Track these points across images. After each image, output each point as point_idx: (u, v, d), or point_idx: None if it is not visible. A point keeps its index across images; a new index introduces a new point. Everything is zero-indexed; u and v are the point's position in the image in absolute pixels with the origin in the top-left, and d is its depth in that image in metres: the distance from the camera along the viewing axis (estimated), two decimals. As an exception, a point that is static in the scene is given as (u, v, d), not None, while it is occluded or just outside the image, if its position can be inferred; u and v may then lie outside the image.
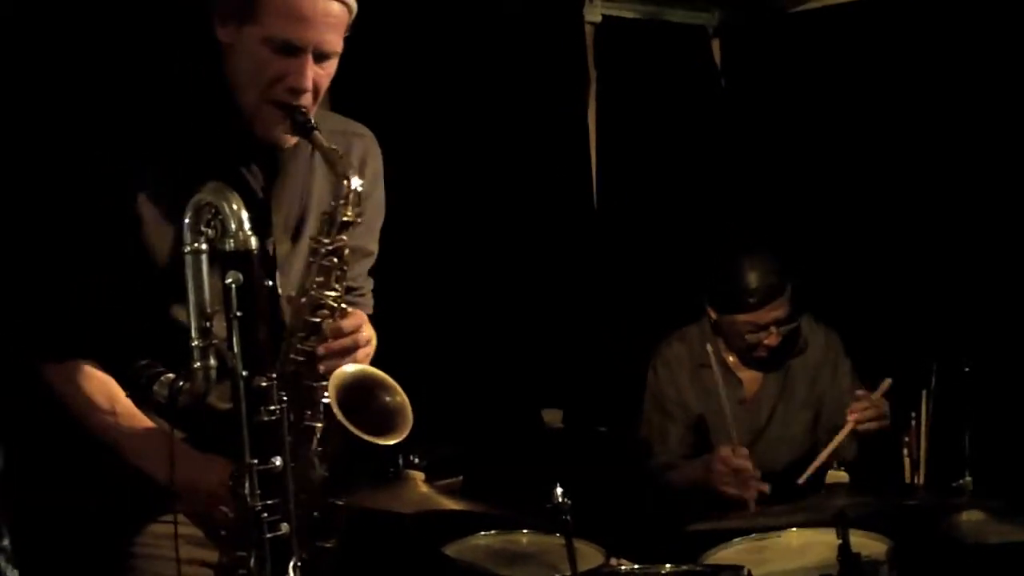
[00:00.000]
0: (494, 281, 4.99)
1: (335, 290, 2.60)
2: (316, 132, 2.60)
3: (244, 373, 2.35)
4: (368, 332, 2.75)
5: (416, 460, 3.66)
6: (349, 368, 2.66)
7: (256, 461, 2.37)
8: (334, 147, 2.63)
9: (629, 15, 5.53)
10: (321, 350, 2.62)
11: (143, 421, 2.65)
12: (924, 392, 4.33)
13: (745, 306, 4.45)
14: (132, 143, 2.64)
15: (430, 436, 4.09)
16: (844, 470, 4.15)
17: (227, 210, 2.36)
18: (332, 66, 2.69)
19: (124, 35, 3.73)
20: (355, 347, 2.67)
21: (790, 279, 4.50)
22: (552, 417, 4.56)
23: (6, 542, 1.07)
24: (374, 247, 3.02)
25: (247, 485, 2.36)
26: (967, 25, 4.93)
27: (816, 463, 4.26)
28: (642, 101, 5.51)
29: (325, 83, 2.68)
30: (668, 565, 3.62)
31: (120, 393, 2.65)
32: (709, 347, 4.51)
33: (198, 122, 2.68)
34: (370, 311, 3.01)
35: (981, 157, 4.93)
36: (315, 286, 2.63)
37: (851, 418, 4.30)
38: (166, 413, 2.51)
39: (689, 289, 4.81)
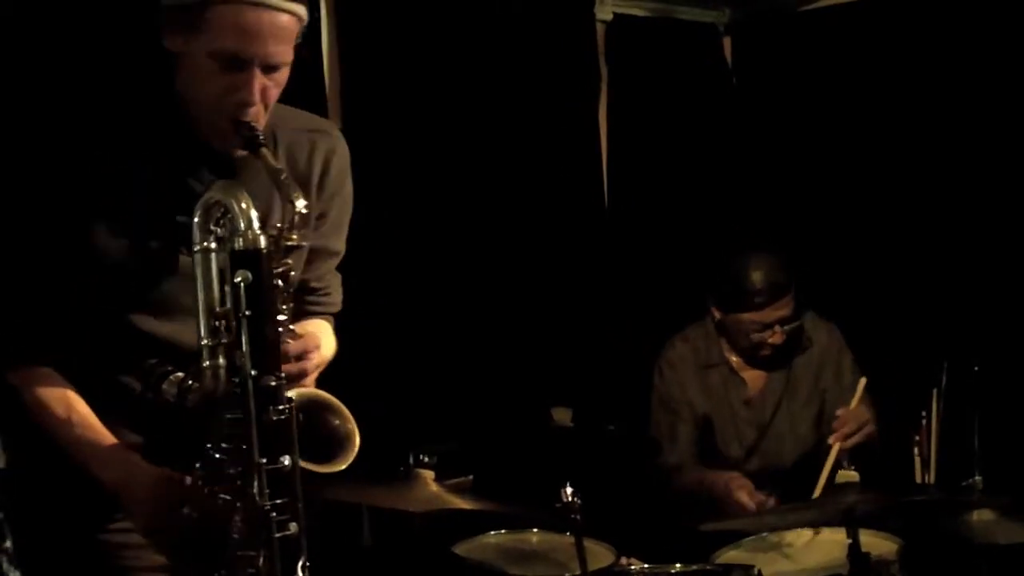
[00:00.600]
0: (505, 280, 4.98)
1: (282, 313, 2.53)
2: (263, 149, 2.53)
3: (253, 372, 2.35)
4: (317, 356, 2.67)
5: (426, 459, 3.65)
6: (298, 392, 2.59)
7: (265, 460, 2.36)
8: (280, 167, 2.54)
9: (640, 13, 5.52)
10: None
11: (97, 432, 2.61)
12: (934, 391, 4.33)
13: (750, 305, 4.46)
14: (84, 149, 2.60)
15: (440, 435, 4.12)
16: (854, 469, 4.16)
17: (236, 209, 2.36)
18: (283, 76, 2.63)
19: (74, 41, 3.70)
20: (303, 374, 2.61)
21: (794, 278, 4.51)
22: (562, 416, 4.55)
23: (8, 543, 1.07)
24: (341, 246, 2.96)
25: (256, 485, 2.35)
26: (978, 22, 4.92)
27: (822, 481, 4.25)
28: (653, 99, 5.50)
29: (275, 93, 2.62)
30: (678, 564, 3.63)
31: (77, 402, 2.61)
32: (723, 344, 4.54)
33: (151, 129, 2.64)
34: (337, 308, 2.99)
35: (991, 155, 4.91)
36: None
37: (832, 440, 4.29)
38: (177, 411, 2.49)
39: (698, 288, 4.81)
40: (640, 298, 5.33)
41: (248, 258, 2.34)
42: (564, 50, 5.26)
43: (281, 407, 2.36)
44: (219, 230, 2.43)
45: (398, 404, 4.55)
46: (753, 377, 4.66)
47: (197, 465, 2.48)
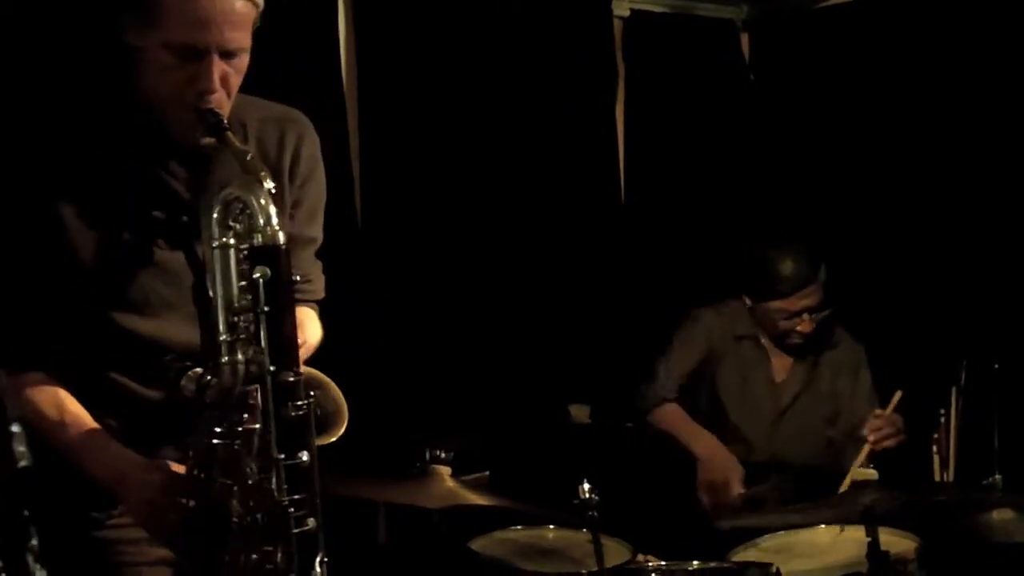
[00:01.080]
0: (523, 276, 4.98)
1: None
2: (227, 132, 2.51)
3: (272, 368, 2.34)
4: (304, 348, 2.61)
5: (442, 455, 3.65)
6: None
7: (283, 456, 2.35)
8: (246, 148, 2.52)
9: (657, 9, 5.52)
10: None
11: (90, 431, 2.59)
12: (953, 389, 4.33)
13: (777, 293, 4.52)
14: (52, 149, 2.59)
15: (457, 431, 4.11)
16: (872, 467, 4.15)
17: (255, 205, 2.35)
18: (242, 62, 2.60)
19: (34, 37, 3.69)
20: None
21: (822, 267, 4.53)
22: (579, 412, 4.55)
23: (34, 542, 1.06)
24: (318, 233, 2.91)
25: (275, 480, 2.35)
26: (997, 16, 4.90)
27: (849, 479, 4.26)
28: (670, 95, 5.49)
29: (235, 79, 2.59)
30: (695, 562, 3.62)
31: (69, 402, 2.59)
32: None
33: (118, 126, 2.62)
34: (320, 296, 2.95)
35: (1012, 153, 4.89)
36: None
37: (869, 437, 4.31)
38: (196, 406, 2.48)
39: (715, 284, 4.81)
40: (657, 295, 5.32)
41: (267, 254, 2.33)
42: (581, 45, 5.27)
43: (300, 403, 2.36)
44: (237, 226, 2.41)
45: (415, 400, 4.55)
46: (780, 363, 4.67)
47: (190, 453, 2.50)
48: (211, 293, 2.44)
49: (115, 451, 2.57)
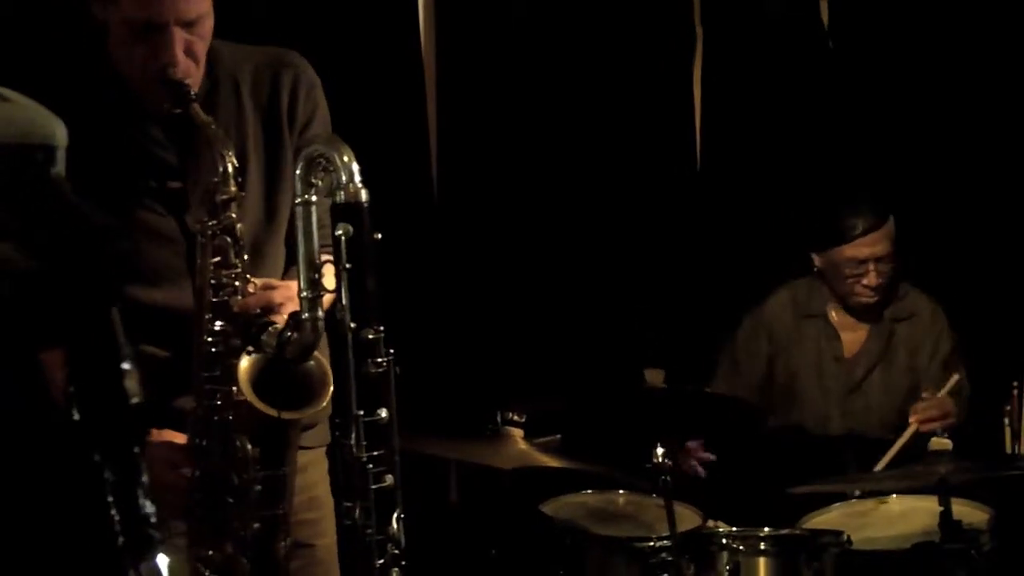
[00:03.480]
0: (599, 240, 4.99)
1: (235, 266, 2.52)
2: (194, 104, 2.52)
3: (352, 325, 2.35)
4: (287, 304, 2.56)
5: (515, 417, 3.67)
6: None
7: (362, 412, 2.37)
8: (209, 119, 2.53)
9: (736, -26, 5.48)
10: (236, 341, 2.54)
11: None
12: (1026, 361, 4.29)
13: (844, 237, 4.45)
14: None
15: (530, 394, 4.13)
16: (948, 437, 4.13)
17: (339, 162, 2.35)
18: (205, 27, 2.58)
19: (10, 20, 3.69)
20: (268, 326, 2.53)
21: (891, 218, 4.49)
22: (654, 377, 4.54)
23: (145, 478, 1.08)
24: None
25: (353, 436, 2.37)
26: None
27: (890, 454, 4.23)
28: (748, 60, 5.46)
29: (201, 46, 2.58)
30: (767, 528, 3.62)
31: None
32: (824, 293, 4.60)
33: (96, 99, 2.61)
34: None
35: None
36: (212, 267, 2.55)
37: (912, 419, 4.27)
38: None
39: (791, 249, 4.79)
40: (733, 260, 5.31)
41: (350, 211, 2.34)
42: (659, 10, 5.24)
43: (380, 360, 2.37)
44: (320, 183, 2.42)
45: (490, 362, 4.57)
46: (850, 339, 4.63)
47: (189, 421, 2.54)
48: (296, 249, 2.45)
49: None
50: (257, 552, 2.54)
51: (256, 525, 2.50)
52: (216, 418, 2.54)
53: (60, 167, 1.39)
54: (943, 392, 4.32)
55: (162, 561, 1.20)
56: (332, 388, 2.50)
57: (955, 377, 4.34)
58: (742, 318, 4.70)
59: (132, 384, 1.21)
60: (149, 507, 1.12)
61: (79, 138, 2.54)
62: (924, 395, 4.34)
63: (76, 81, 2.64)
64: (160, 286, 2.64)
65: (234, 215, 2.52)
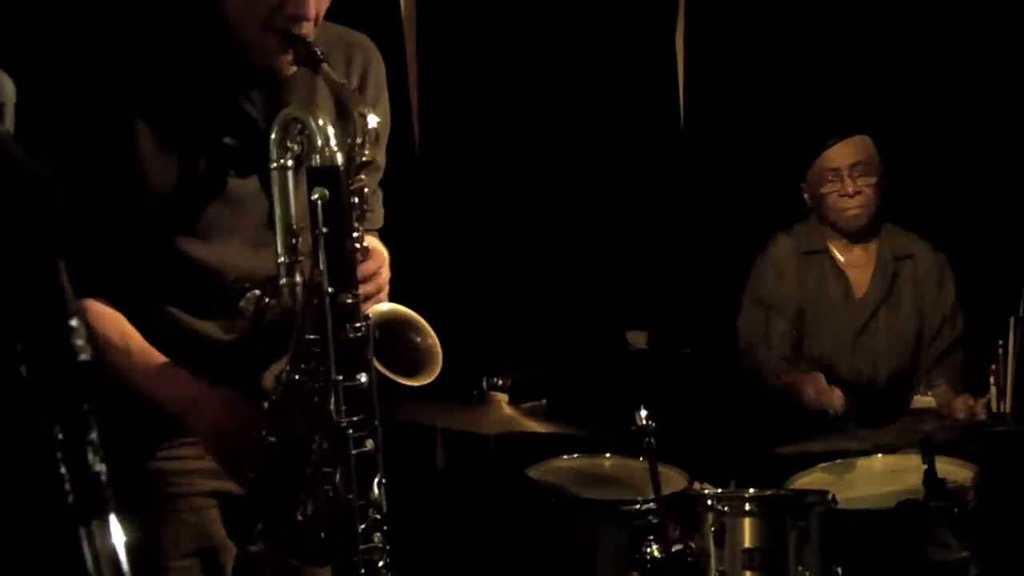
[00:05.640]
0: (581, 202, 4.98)
1: (356, 231, 2.44)
2: (324, 65, 2.44)
3: (330, 290, 2.34)
4: (386, 272, 2.59)
5: (500, 382, 3.66)
6: (380, 307, 2.56)
7: (342, 377, 2.35)
8: (343, 81, 2.47)
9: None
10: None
11: (158, 359, 2.52)
12: (1012, 320, 4.29)
13: (821, 149, 4.63)
14: (126, 76, 2.52)
15: (514, 358, 4.12)
16: (931, 395, 4.13)
17: (314, 126, 2.33)
18: None
19: None
20: (378, 292, 2.54)
21: (867, 136, 4.63)
22: (637, 339, 4.55)
23: (94, 435, 1.06)
24: (382, 160, 2.77)
25: (333, 401, 2.35)
26: None
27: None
28: (732, 21, 5.44)
29: (326, 4, 2.51)
30: (752, 489, 3.62)
31: (132, 330, 2.52)
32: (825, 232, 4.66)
33: (197, 51, 2.55)
34: (380, 224, 2.91)
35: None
36: None
37: (960, 413, 4.25)
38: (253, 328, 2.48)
39: (775, 212, 4.78)
40: (715, 221, 5.30)
41: (325, 175, 2.32)
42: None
43: (358, 324, 2.35)
44: (295, 147, 2.40)
45: (473, 327, 4.56)
46: (857, 277, 4.65)
47: (272, 384, 2.46)
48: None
49: (186, 379, 2.50)
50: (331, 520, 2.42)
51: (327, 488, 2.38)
52: (308, 386, 2.43)
53: (8, 123, 1.36)
54: (982, 405, 4.31)
55: (114, 521, 1.19)
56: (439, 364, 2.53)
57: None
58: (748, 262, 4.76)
59: (79, 341, 1.20)
60: (99, 465, 1.11)
61: (175, 87, 2.54)
62: (970, 402, 4.32)
63: (182, 30, 2.56)
64: (217, 244, 2.57)
65: (364, 178, 2.44)
